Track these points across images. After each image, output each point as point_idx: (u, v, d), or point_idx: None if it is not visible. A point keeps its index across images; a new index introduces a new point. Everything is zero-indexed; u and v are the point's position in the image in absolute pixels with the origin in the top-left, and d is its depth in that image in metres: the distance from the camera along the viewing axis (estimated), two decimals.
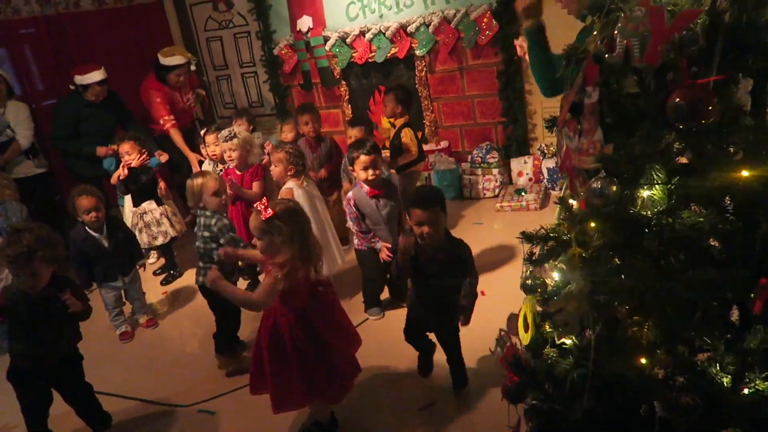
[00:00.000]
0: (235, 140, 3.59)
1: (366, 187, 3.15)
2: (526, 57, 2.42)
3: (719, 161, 1.30)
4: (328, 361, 2.37)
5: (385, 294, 3.61)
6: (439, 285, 2.49)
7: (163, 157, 4.18)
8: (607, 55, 1.28)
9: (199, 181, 3.01)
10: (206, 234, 2.98)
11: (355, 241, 3.36)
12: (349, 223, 3.34)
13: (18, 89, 4.63)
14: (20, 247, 2.32)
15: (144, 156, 3.96)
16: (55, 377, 2.59)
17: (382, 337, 3.22)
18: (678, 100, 1.15)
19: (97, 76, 4.31)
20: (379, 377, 2.90)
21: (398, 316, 3.37)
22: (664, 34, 1.18)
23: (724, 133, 1.26)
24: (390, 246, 3.18)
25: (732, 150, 1.32)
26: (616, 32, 1.26)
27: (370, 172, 3.09)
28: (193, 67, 4.94)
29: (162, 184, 4.06)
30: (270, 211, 2.18)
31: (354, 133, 3.86)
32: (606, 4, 1.36)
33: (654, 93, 1.30)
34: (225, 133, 3.63)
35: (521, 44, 2.61)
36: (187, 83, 4.90)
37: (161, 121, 4.65)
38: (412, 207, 2.41)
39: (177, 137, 4.66)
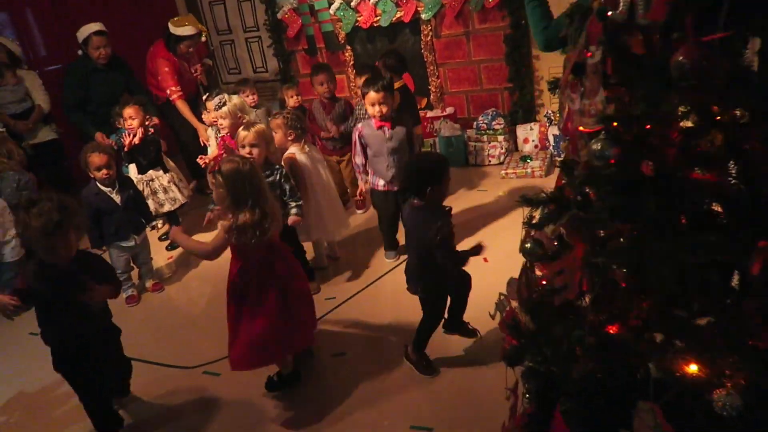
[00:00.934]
0: (224, 108, 3.55)
1: (376, 120, 3.29)
2: None
3: (724, 122, 1.27)
4: (286, 310, 2.49)
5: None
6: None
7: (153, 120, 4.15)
8: (610, 12, 1.25)
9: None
10: None
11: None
12: (354, 160, 3.48)
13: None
14: (48, 217, 2.15)
15: (150, 122, 3.95)
16: (100, 354, 2.44)
17: (384, 298, 3.24)
18: (681, 58, 1.12)
19: (93, 26, 4.30)
20: (377, 340, 2.92)
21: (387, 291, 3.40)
22: None
23: (729, 93, 1.22)
24: (381, 182, 3.39)
25: (738, 112, 1.30)
26: None
27: (377, 108, 3.21)
28: (203, 38, 4.87)
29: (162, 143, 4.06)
30: (216, 165, 2.46)
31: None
32: None
33: (659, 52, 1.27)
34: (216, 101, 3.60)
35: None
36: (195, 54, 4.86)
37: (168, 92, 4.62)
38: None
39: (184, 108, 4.64)
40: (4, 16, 4.97)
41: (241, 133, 2.97)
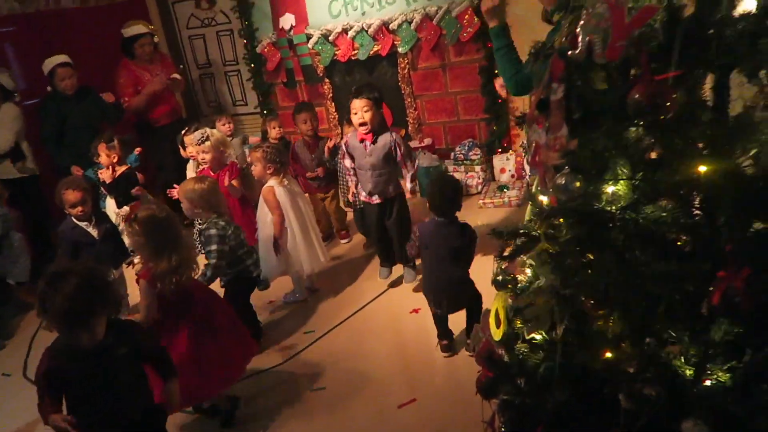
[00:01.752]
0: (207, 143, 3.56)
1: (359, 132, 3.32)
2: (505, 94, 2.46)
3: (684, 155, 1.31)
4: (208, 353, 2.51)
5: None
6: None
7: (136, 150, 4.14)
8: (569, 52, 1.29)
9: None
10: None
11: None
12: (344, 162, 3.55)
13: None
14: (72, 305, 1.78)
15: (118, 165, 3.96)
16: None
17: (365, 330, 3.23)
18: (637, 95, 1.16)
19: (58, 59, 4.30)
20: (357, 373, 2.90)
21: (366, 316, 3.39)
22: (625, 30, 1.19)
23: (687, 127, 1.27)
24: (363, 193, 3.45)
25: (700, 145, 1.34)
26: (578, 28, 1.27)
27: (360, 115, 3.24)
28: (156, 39, 4.92)
29: (138, 185, 4.03)
30: (131, 214, 2.49)
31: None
32: (571, 0, 1.37)
33: (618, 88, 1.31)
34: (197, 135, 3.61)
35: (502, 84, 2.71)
36: (154, 55, 4.89)
37: (123, 102, 4.66)
38: None
39: (138, 104, 4.69)
40: None
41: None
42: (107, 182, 3.92)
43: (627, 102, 1.19)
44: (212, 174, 3.67)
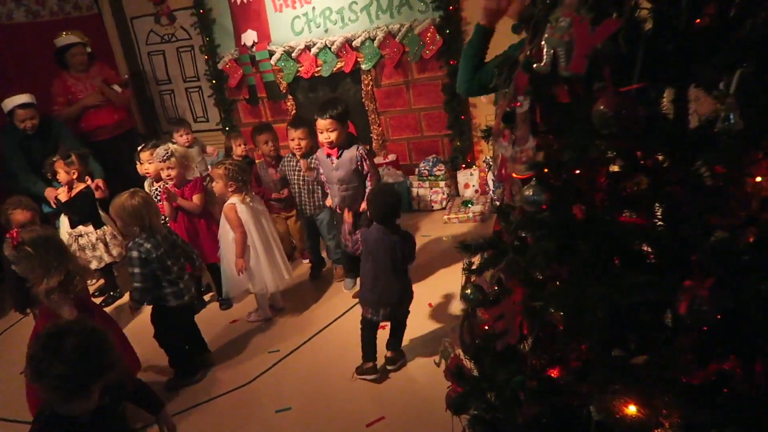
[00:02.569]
0: (172, 159, 3.50)
1: (324, 148, 3.39)
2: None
3: (646, 167, 1.33)
4: None
5: None
6: None
7: (98, 192, 3.96)
8: (534, 65, 1.30)
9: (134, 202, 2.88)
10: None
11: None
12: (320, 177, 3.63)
13: None
14: (71, 370, 1.61)
15: (75, 179, 3.83)
16: None
17: (331, 348, 3.17)
18: (602, 107, 1.17)
19: (18, 99, 4.11)
20: (324, 392, 2.85)
21: (339, 330, 3.35)
22: (588, 44, 1.20)
23: (649, 139, 1.29)
24: (333, 201, 3.52)
25: (660, 157, 1.36)
26: (543, 42, 1.28)
27: (325, 135, 3.29)
28: (88, 49, 4.82)
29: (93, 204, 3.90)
30: (18, 237, 2.51)
31: (297, 135, 3.77)
32: (535, 14, 1.38)
33: (582, 101, 1.33)
34: (161, 152, 3.53)
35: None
36: (91, 65, 4.79)
37: (54, 110, 4.57)
38: None
39: (68, 115, 4.62)
40: None
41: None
42: (62, 201, 3.78)
43: (592, 114, 1.20)
44: (177, 190, 3.59)
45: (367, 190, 3.37)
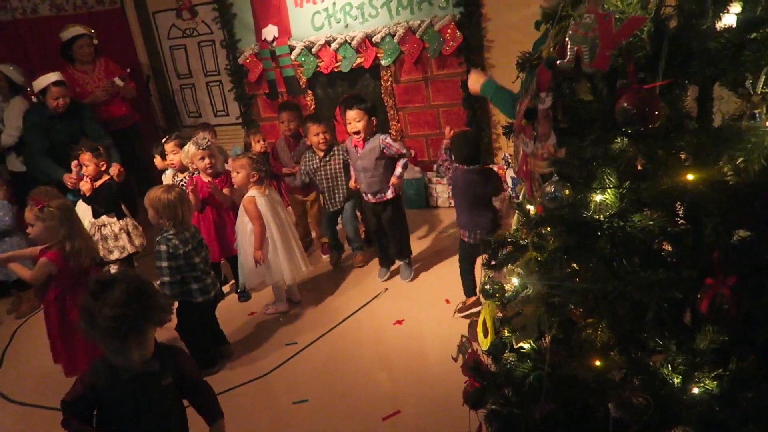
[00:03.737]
0: (211, 147, 3.62)
1: (354, 138, 3.52)
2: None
3: (669, 165, 1.33)
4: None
5: None
6: None
7: (114, 170, 4.05)
8: (558, 61, 1.30)
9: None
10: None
11: None
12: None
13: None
14: (122, 312, 1.64)
15: (104, 167, 3.90)
16: None
17: (348, 342, 3.20)
18: (626, 104, 1.17)
19: (52, 77, 4.21)
20: (340, 385, 2.87)
21: (348, 331, 3.37)
22: (612, 40, 1.20)
23: (672, 137, 1.28)
24: (359, 186, 3.65)
25: (683, 155, 1.36)
26: (567, 39, 1.28)
27: (352, 125, 3.44)
28: (95, 41, 4.85)
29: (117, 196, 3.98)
30: (44, 202, 2.74)
31: (315, 129, 3.84)
32: (558, 11, 1.39)
33: (605, 98, 1.33)
34: (201, 141, 3.59)
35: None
36: (96, 58, 4.85)
37: None
38: None
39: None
40: None
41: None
42: (86, 193, 3.84)
43: (615, 111, 1.20)
44: (205, 181, 3.63)
45: (398, 169, 3.55)
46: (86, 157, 3.83)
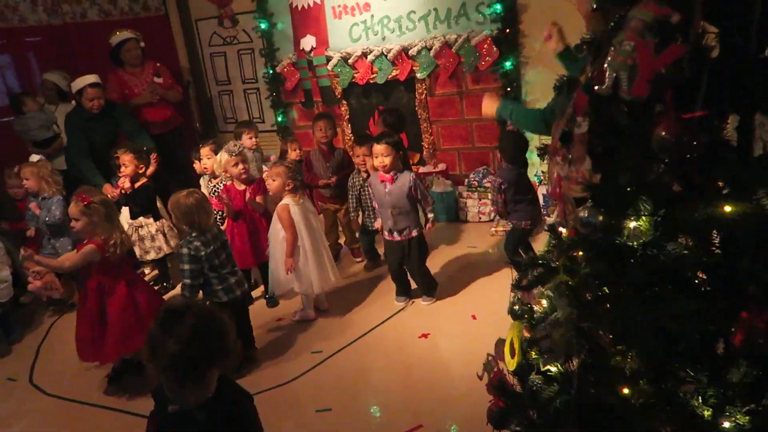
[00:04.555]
0: (243, 153, 3.67)
1: (381, 173, 3.50)
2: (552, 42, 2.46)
3: (706, 194, 1.32)
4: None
5: None
6: None
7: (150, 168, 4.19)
8: (596, 87, 1.31)
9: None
10: None
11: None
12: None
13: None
14: (186, 350, 1.51)
15: (142, 170, 4.02)
16: None
17: (373, 353, 3.21)
18: (663, 133, 1.17)
19: (89, 78, 4.38)
20: (364, 396, 2.88)
21: (372, 342, 3.38)
22: (652, 68, 1.20)
23: (710, 167, 1.27)
24: (386, 232, 3.60)
25: (720, 184, 1.34)
26: (605, 65, 1.29)
27: (380, 159, 3.43)
28: (142, 44, 5.01)
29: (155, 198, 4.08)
30: (89, 198, 2.91)
31: (357, 151, 3.94)
32: (597, 36, 1.39)
33: (642, 124, 1.32)
34: (232, 148, 3.66)
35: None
36: (145, 62, 5.00)
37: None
38: None
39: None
40: (6, 58, 5.09)
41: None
42: (126, 191, 3.96)
43: (652, 138, 1.19)
44: (238, 188, 3.70)
45: (428, 216, 3.56)
46: (128, 158, 3.95)
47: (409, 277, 3.73)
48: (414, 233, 3.51)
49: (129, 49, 4.88)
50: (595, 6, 1.38)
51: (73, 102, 4.64)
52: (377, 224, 3.74)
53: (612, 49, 1.29)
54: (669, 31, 1.21)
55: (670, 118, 1.18)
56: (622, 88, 1.25)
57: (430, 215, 3.56)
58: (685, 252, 1.28)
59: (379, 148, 3.42)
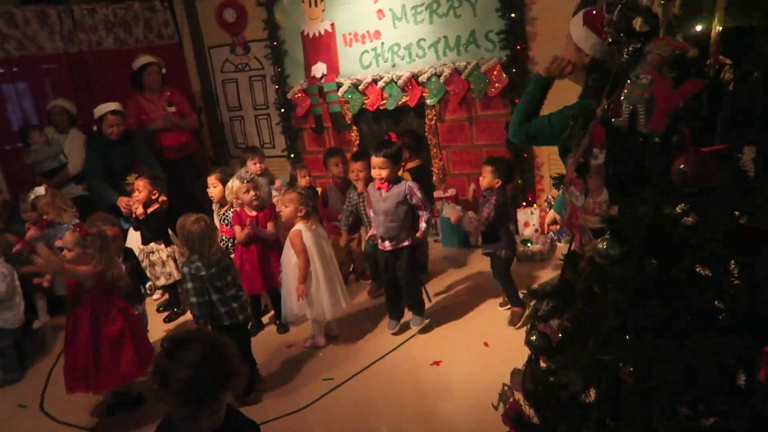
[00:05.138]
0: (256, 179, 3.70)
1: (377, 181, 3.51)
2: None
3: (723, 225, 1.31)
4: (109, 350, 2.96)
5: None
6: None
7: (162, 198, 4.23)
8: (613, 119, 1.32)
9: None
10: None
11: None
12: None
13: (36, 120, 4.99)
14: (203, 373, 1.54)
15: (156, 196, 4.06)
16: None
17: (383, 381, 3.18)
18: (682, 166, 1.17)
19: (111, 105, 4.52)
20: (375, 424, 2.85)
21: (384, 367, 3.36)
22: (669, 102, 1.21)
23: (727, 198, 1.27)
24: (373, 235, 3.65)
25: (737, 214, 1.34)
26: (622, 97, 1.30)
27: (377, 171, 3.44)
28: (163, 70, 5.10)
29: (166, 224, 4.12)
30: (87, 230, 2.96)
31: (353, 166, 3.95)
32: (614, 70, 1.41)
33: (659, 157, 1.33)
34: (244, 175, 3.69)
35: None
36: (162, 87, 5.09)
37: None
38: None
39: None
40: (23, 86, 5.18)
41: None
42: (140, 217, 4.01)
43: (670, 172, 1.20)
44: (250, 214, 3.71)
45: (422, 219, 3.52)
46: (142, 183, 4.01)
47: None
48: (405, 243, 3.50)
49: (150, 72, 4.99)
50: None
51: (75, 128, 4.81)
52: (371, 232, 3.70)
53: (628, 82, 1.30)
54: (686, 66, 1.22)
55: (690, 152, 1.19)
56: (640, 121, 1.26)
57: (423, 225, 3.52)
58: (704, 284, 1.28)
59: (377, 160, 3.42)
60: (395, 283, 3.62)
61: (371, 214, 3.63)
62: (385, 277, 3.66)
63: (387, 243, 3.51)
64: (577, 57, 2.33)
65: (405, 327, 3.70)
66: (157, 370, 1.57)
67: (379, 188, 3.49)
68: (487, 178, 3.61)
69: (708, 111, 1.23)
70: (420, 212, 3.51)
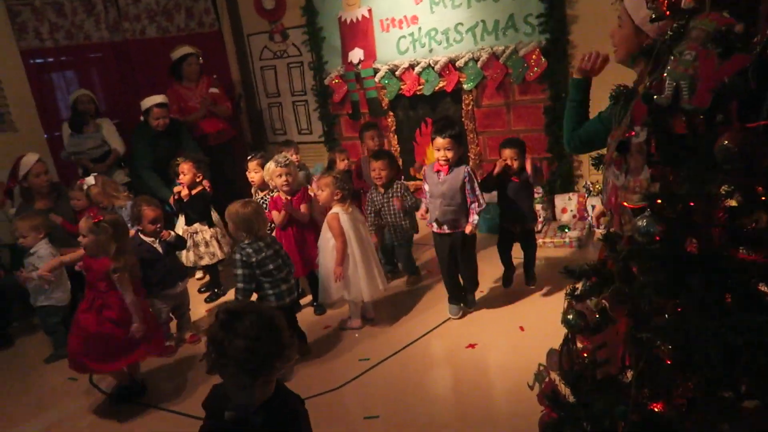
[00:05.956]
0: (290, 165, 3.76)
1: (437, 162, 3.42)
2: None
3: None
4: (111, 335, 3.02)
5: None
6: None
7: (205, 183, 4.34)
8: (655, 96, 1.31)
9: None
10: None
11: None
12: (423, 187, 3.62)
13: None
14: (260, 342, 1.58)
15: (199, 178, 4.17)
16: None
17: (419, 363, 3.22)
18: (727, 142, 1.16)
19: (157, 99, 4.65)
20: (411, 404, 2.90)
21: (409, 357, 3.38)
22: (714, 78, 1.20)
23: None
24: (429, 218, 3.54)
25: None
26: (665, 74, 1.29)
27: (442, 153, 3.34)
28: (201, 60, 5.21)
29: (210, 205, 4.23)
30: (100, 217, 3.02)
31: (373, 165, 3.96)
32: (656, 47, 1.39)
33: (703, 134, 1.32)
34: (280, 159, 3.77)
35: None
36: (199, 75, 5.19)
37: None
38: None
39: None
40: (72, 74, 5.36)
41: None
42: (184, 199, 4.13)
43: (715, 148, 1.19)
44: (284, 198, 3.79)
45: (473, 211, 3.42)
46: (186, 166, 4.14)
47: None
48: (466, 229, 3.43)
49: (190, 63, 5.11)
50: (653, 17, 1.36)
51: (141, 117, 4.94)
52: (422, 211, 3.62)
53: (672, 58, 1.29)
54: (732, 41, 1.20)
55: (735, 129, 1.17)
56: (683, 98, 1.25)
57: (475, 218, 3.41)
58: (747, 263, 1.27)
59: (442, 141, 3.31)
60: (454, 267, 3.58)
61: (427, 197, 3.54)
62: (443, 262, 3.58)
63: (446, 227, 3.45)
64: (634, 41, 2.02)
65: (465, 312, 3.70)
66: (214, 341, 1.60)
67: (438, 170, 3.41)
68: (519, 159, 3.60)
69: (755, 87, 1.21)
70: (472, 204, 3.41)
